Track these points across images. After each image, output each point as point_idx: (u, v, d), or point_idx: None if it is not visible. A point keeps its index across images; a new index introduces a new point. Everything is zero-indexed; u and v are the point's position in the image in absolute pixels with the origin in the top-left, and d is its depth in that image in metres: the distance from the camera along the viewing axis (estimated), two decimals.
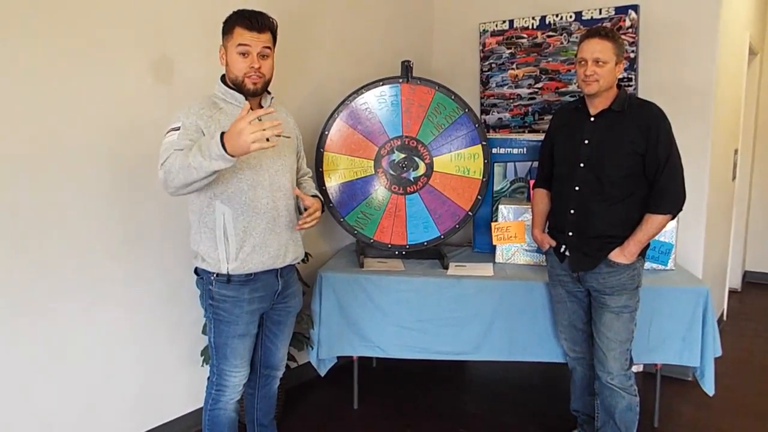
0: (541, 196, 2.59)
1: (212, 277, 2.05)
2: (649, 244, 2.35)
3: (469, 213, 3.02)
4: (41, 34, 2.12)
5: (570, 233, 2.38)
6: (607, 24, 3.29)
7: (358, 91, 2.99)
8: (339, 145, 2.99)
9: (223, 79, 2.07)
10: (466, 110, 2.99)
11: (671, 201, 2.23)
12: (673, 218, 2.30)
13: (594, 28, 2.30)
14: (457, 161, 3.02)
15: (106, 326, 2.43)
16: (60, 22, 2.17)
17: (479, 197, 3.01)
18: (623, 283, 2.30)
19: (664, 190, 2.22)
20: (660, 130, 2.21)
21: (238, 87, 2.01)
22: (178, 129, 1.91)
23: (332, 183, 3.00)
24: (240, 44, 1.95)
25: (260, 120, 1.79)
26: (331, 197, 3.01)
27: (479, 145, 3.00)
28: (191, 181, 1.79)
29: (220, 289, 2.05)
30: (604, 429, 2.45)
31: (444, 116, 3.00)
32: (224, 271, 2.03)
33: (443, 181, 3.03)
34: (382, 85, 2.99)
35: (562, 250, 2.43)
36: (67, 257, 2.27)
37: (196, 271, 2.13)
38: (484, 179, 3.00)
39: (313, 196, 2.24)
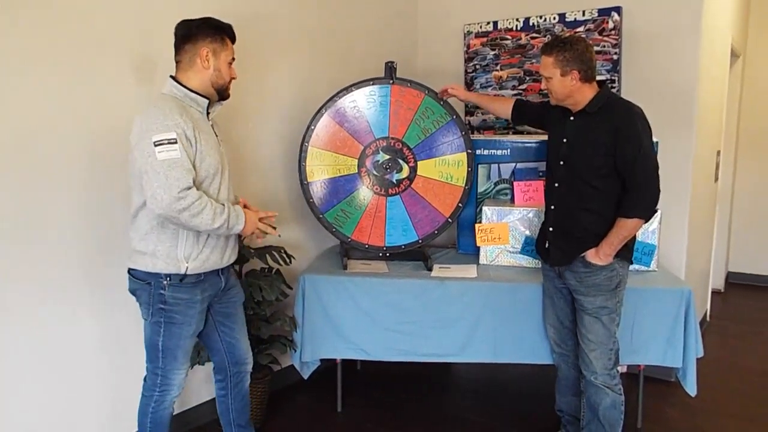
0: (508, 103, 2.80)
1: (164, 281, 2.03)
2: (632, 246, 2.35)
3: (449, 220, 3.01)
4: (19, 33, 2.08)
5: (551, 228, 2.42)
6: (591, 26, 3.30)
7: (348, 89, 2.96)
8: (324, 141, 2.96)
9: (176, 80, 2.06)
10: (454, 117, 2.98)
11: (640, 205, 2.20)
12: (646, 221, 2.28)
13: (544, 44, 2.37)
14: (441, 167, 3.00)
15: (77, 333, 2.37)
16: (39, 21, 2.13)
17: (460, 205, 3.00)
18: (599, 284, 2.30)
19: (633, 194, 2.20)
20: (629, 131, 2.17)
21: (219, 91, 2.13)
22: (174, 141, 1.89)
23: (315, 178, 2.97)
24: (233, 57, 2.14)
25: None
26: (312, 193, 2.98)
27: (464, 153, 2.98)
28: (201, 231, 2.01)
29: (174, 293, 2.05)
30: (589, 427, 2.45)
31: (432, 121, 2.98)
32: (182, 271, 2.03)
33: (426, 185, 3.01)
34: (372, 84, 2.96)
35: (546, 246, 2.45)
36: (38, 262, 2.22)
37: (138, 275, 2.07)
38: (467, 187, 2.99)
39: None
